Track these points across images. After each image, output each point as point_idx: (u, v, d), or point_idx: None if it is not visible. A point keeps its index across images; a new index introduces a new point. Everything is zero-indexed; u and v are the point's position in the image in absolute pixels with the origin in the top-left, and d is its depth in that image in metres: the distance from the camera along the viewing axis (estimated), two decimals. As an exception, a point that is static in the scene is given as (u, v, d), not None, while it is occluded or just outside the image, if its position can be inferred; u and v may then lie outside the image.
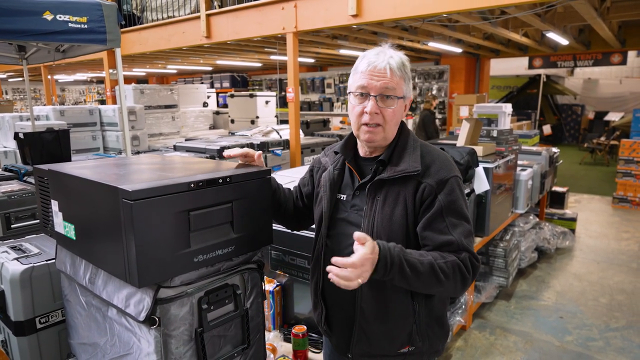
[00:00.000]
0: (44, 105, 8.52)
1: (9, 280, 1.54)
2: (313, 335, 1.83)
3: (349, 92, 1.31)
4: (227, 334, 1.29)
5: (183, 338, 1.18)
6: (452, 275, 1.18)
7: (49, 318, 1.62)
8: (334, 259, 1.08)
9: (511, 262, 3.68)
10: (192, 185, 1.15)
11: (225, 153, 1.41)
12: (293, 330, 1.73)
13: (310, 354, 1.77)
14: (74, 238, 1.29)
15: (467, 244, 1.23)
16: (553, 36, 6.66)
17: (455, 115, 7.92)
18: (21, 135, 3.65)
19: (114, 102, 7.59)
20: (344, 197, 1.36)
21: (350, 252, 1.11)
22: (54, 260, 1.58)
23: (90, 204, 1.19)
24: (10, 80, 14.54)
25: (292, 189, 1.60)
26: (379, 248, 1.11)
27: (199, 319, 1.21)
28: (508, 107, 5.08)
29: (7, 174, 3.46)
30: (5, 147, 5.80)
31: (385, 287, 1.27)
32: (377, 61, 1.25)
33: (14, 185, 3.06)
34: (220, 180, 1.22)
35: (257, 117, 7.64)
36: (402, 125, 1.35)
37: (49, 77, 10.49)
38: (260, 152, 1.47)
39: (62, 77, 15.22)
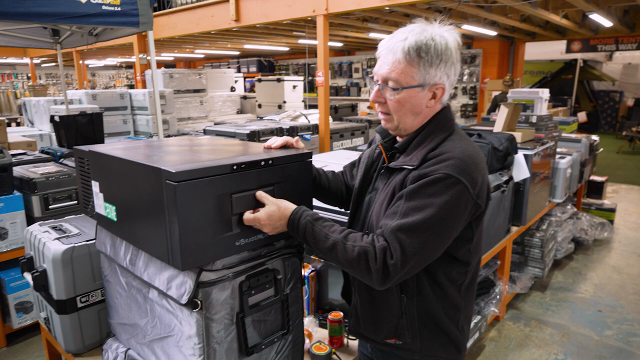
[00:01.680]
0: (76, 89, 8.69)
1: (51, 260, 1.56)
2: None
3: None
4: (267, 319, 1.27)
5: (224, 322, 1.17)
6: (353, 261, 1.11)
7: (89, 297, 1.64)
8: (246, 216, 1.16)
9: (547, 253, 3.56)
10: (235, 167, 1.12)
11: (267, 145, 1.37)
12: (329, 317, 1.71)
13: (345, 340, 1.74)
14: (115, 219, 1.29)
15: (392, 235, 1.08)
16: (596, 17, 6.35)
17: (487, 101, 7.69)
18: (57, 119, 3.72)
19: (144, 87, 7.67)
20: (375, 176, 1.33)
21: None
22: (93, 241, 1.59)
23: (132, 186, 1.18)
24: (43, 65, 14.90)
25: (342, 168, 1.57)
26: (292, 212, 1.17)
27: (240, 303, 1.19)
28: (545, 93, 4.88)
29: (44, 156, 3.54)
30: (40, 130, 5.95)
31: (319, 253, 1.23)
32: (387, 44, 1.16)
33: (51, 167, 3.12)
34: (263, 163, 1.18)
35: (285, 102, 7.60)
36: (438, 114, 1.22)
37: (81, 62, 10.69)
38: (298, 137, 1.43)
39: (92, 62, 15.51)
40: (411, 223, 1.08)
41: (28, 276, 1.68)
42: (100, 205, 1.36)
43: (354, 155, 3.15)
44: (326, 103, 4.92)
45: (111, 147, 1.39)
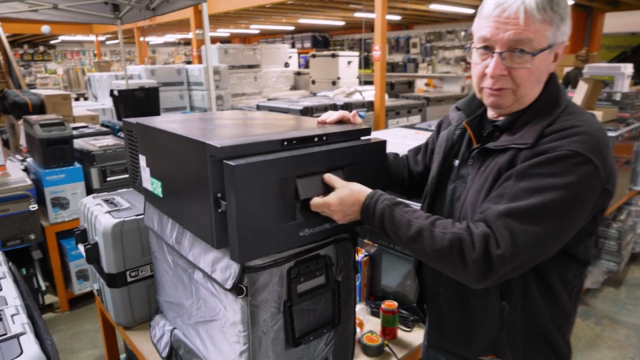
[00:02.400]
0: (137, 66, 8.97)
1: (102, 233, 1.55)
2: (403, 312, 1.68)
3: (470, 43, 1.06)
4: (316, 308, 1.18)
5: (271, 310, 1.08)
6: (443, 251, 0.91)
7: (138, 272, 1.62)
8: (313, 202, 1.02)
9: (625, 246, 3.23)
10: (286, 143, 1.00)
11: (321, 119, 1.24)
12: (383, 306, 1.59)
13: (399, 332, 1.63)
14: (161, 196, 1.23)
15: (499, 221, 0.89)
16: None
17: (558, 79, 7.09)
18: (115, 93, 3.80)
19: (200, 62, 7.75)
20: (456, 162, 1.13)
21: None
22: (142, 216, 1.56)
23: (176, 161, 1.10)
24: (107, 42, 15.52)
25: (407, 152, 1.40)
26: (367, 196, 1.02)
27: (288, 291, 1.10)
28: (628, 68, 4.40)
29: (103, 129, 3.63)
30: (103, 104, 6.17)
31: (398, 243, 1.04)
32: (509, 0, 0.94)
33: (109, 140, 3.18)
34: (316, 139, 1.06)
35: (339, 78, 7.43)
36: (549, 81, 1.01)
37: (141, 39, 10.99)
38: (355, 111, 1.29)
39: (152, 40, 15.96)
40: (524, 207, 0.89)
41: (81, 248, 1.69)
42: (147, 180, 1.31)
43: (410, 134, 2.97)
44: (382, 79, 4.71)
45: (158, 120, 1.32)
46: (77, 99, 7.99)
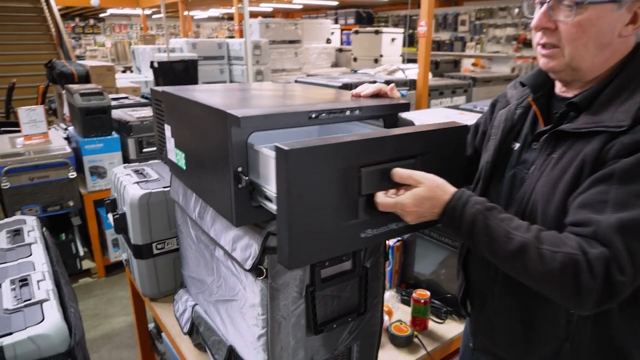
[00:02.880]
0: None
1: (129, 204, 1.53)
2: (436, 302, 1.58)
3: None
4: (341, 294, 1.10)
5: (292, 295, 1.01)
6: (552, 274, 0.77)
7: (164, 245, 1.60)
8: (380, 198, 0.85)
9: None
10: (314, 115, 0.92)
11: (355, 92, 1.14)
12: (414, 295, 1.50)
13: (430, 324, 1.54)
14: (184, 168, 1.18)
15: (613, 238, 0.75)
16: None
17: None
18: (155, 65, 3.81)
19: (242, 36, 7.71)
20: (516, 145, 0.99)
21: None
22: (169, 188, 1.53)
23: (198, 131, 1.04)
24: (154, 16, 15.75)
25: None
26: (451, 196, 0.84)
27: (311, 275, 1.02)
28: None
29: (143, 100, 3.66)
30: (146, 77, 6.26)
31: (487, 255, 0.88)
32: None
33: (147, 112, 3.19)
34: (348, 112, 0.97)
35: (381, 56, 7.21)
36: (637, 51, 0.86)
37: (185, 13, 11.06)
38: (394, 84, 1.18)
39: (197, 14, 16.05)
40: (632, 215, 0.75)
41: (111, 217, 1.68)
42: (172, 150, 1.26)
43: (454, 114, 2.80)
44: (427, 56, 4.49)
45: (186, 88, 1.26)
46: (124, 72, 8.17)
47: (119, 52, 13.10)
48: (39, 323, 1.09)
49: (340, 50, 8.23)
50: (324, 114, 0.93)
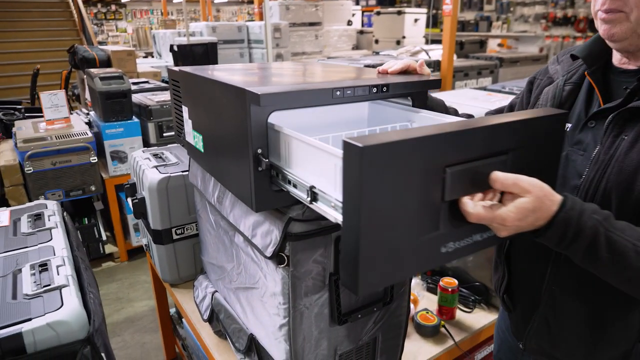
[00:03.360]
0: (201, 23, 8.99)
1: (148, 188, 1.50)
2: (464, 291, 1.52)
3: None
4: (366, 283, 1.05)
5: (315, 283, 0.96)
6: None
7: (184, 230, 1.57)
8: (468, 207, 0.67)
9: None
10: (338, 92, 0.85)
11: (382, 68, 1.06)
12: (441, 283, 1.44)
13: (457, 313, 1.47)
14: (202, 150, 1.13)
15: None
16: None
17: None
18: (175, 48, 3.77)
19: (262, 19, 7.62)
20: (568, 126, 0.90)
21: None
22: (188, 172, 1.49)
23: (216, 111, 0.98)
24: (174, 1, 15.74)
25: (485, 115, 1.19)
26: (560, 205, 0.69)
27: (335, 262, 0.97)
28: None
29: (163, 85, 3.64)
30: (167, 61, 6.25)
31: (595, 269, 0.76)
32: None
33: (167, 96, 3.16)
34: (375, 90, 0.90)
35: (404, 37, 7.02)
36: None
37: (206, -4, 10.97)
38: (423, 60, 1.10)
39: (217, -2, 15.94)
40: None
41: (130, 202, 1.66)
42: (190, 133, 1.21)
43: (481, 95, 2.69)
44: (452, 36, 4.33)
45: (205, 68, 1.21)
46: (145, 57, 8.19)
47: (140, 37, 13.16)
48: (58, 309, 1.07)
49: (361, 32, 8.05)
50: (349, 91, 0.86)
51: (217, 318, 1.32)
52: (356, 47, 7.85)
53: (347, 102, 0.93)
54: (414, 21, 7.13)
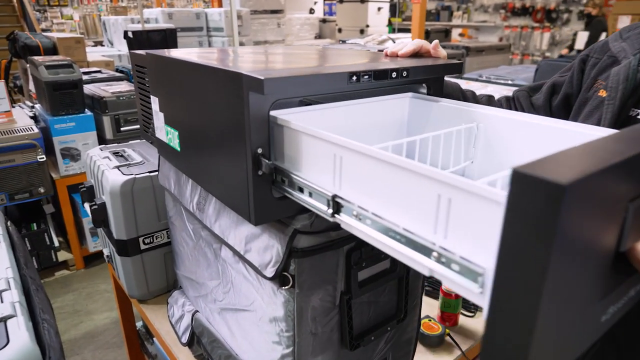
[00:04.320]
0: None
1: (109, 192, 1.29)
2: (465, 294, 1.41)
3: None
4: (378, 300, 0.91)
5: (324, 305, 0.81)
6: None
7: (153, 239, 1.38)
8: None
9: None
10: (355, 78, 0.70)
11: (391, 50, 0.91)
12: (444, 287, 1.33)
13: (461, 319, 1.37)
14: (178, 149, 0.95)
15: None
16: None
17: (611, 28, 6.47)
18: (130, 34, 3.47)
19: (220, 6, 7.29)
20: (639, 113, 0.78)
21: None
22: (157, 173, 1.30)
23: (200, 102, 0.81)
24: (125, -13, 14.92)
25: (513, 94, 1.05)
26: None
27: (346, 280, 0.82)
28: None
29: (117, 74, 3.35)
30: (119, 50, 5.85)
31: None
32: None
33: (123, 86, 2.89)
34: (394, 74, 0.75)
35: (367, 26, 6.93)
36: None
37: (159, -18, 10.43)
38: (437, 40, 0.96)
39: (171, -15, 15.26)
40: None
41: (87, 208, 1.44)
42: (161, 128, 1.02)
43: (462, 84, 2.60)
44: (421, 24, 4.25)
45: (175, 51, 1.02)
46: (95, 47, 7.67)
47: (88, 25, 12.38)
48: (2, 348, 0.87)
49: (324, 20, 7.88)
50: (366, 76, 0.71)
51: (198, 341, 1.14)
52: (319, 36, 7.68)
53: (364, 90, 0.78)
54: (377, 10, 7.05)
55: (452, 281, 0.46)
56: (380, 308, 0.92)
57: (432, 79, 0.88)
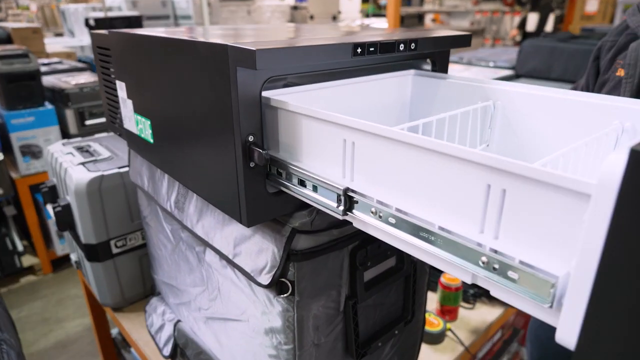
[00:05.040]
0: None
1: (74, 192, 1.16)
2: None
3: None
4: (384, 301, 0.82)
5: (328, 312, 0.72)
6: None
7: (126, 241, 1.25)
8: None
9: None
10: (359, 50, 0.59)
11: None
12: (443, 280, 1.25)
13: (461, 312, 1.30)
14: (151, 140, 0.83)
15: None
16: None
17: (578, 10, 6.53)
18: (92, 22, 3.26)
19: (187, -6, 7.01)
20: None
21: None
22: (128, 169, 1.17)
23: (177, 84, 0.69)
24: (84, -25, 14.28)
25: None
26: None
27: (351, 282, 0.73)
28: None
29: (80, 65, 3.14)
30: (81, 40, 5.55)
31: None
32: None
33: (87, 77, 2.70)
34: (413, 45, 0.65)
35: (339, 12, 6.80)
36: None
37: (121, -31, 9.99)
38: None
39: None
40: None
41: (50, 210, 1.30)
42: (130, 117, 0.90)
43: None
44: (396, 9, 4.15)
45: (144, 30, 0.89)
46: (56, 38, 7.27)
47: (46, 16, 11.78)
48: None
49: (295, 7, 7.70)
50: (372, 48, 0.61)
51: (182, 354, 1.03)
52: (290, 23, 7.52)
53: (364, 67, 0.68)
54: (349, -4, 6.93)
55: (508, 292, 0.37)
56: (386, 310, 0.83)
57: (438, 53, 0.79)
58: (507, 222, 0.37)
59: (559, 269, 0.34)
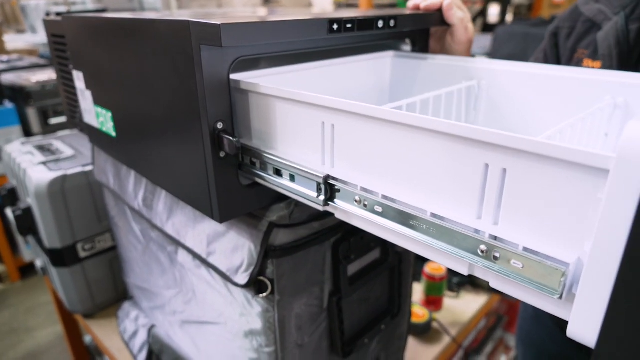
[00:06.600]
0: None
1: (35, 194, 1.08)
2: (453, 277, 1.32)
3: None
4: (369, 296, 0.79)
5: (311, 310, 0.68)
6: None
7: (94, 244, 1.18)
8: None
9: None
10: (336, 27, 0.55)
11: (413, 3, 0.74)
12: (427, 270, 1.23)
13: (446, 301, 1.28)
14: (114, 134, 0.76)
15: None
16: None
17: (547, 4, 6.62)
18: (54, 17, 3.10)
19: (154, -12, 6.81)
20: None
21: None
22: (92, 167, 1.10)
23: (138, 69, 0.63)
24: (46, -30, 13.77)
25: None
26: None
27: (334, 278, 0.69)
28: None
29: (41, 62, 3.00)
30: (44, 37, 5.33)
31: None
32: None
33: (49, 74, 2.57)
34: (390, 23, 0.61)
35: (311, 5, 6.73)
36: None
37: (84, -37, 9.66)
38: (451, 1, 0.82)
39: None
40: None
41: (10, 214, 1.22)
42: (90, 110, 0.83)
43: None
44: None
45: (102, 15, 0.82)
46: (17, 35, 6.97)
47: (7, 13, 11.31)
48: None
49: (267, 0, 7.59)
50: (349, 25, 0.56)
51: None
52: (263, 16, 7.41)
53: (339, 48, 0.64)
54: (321, -13, 6.86)
55: (511, 283, 0.34)
56: (371, 305, 0.79)
57: (418, 33, 0.75)
58: (508, 205, 0.33)
59: (569, 256, 0.30)
